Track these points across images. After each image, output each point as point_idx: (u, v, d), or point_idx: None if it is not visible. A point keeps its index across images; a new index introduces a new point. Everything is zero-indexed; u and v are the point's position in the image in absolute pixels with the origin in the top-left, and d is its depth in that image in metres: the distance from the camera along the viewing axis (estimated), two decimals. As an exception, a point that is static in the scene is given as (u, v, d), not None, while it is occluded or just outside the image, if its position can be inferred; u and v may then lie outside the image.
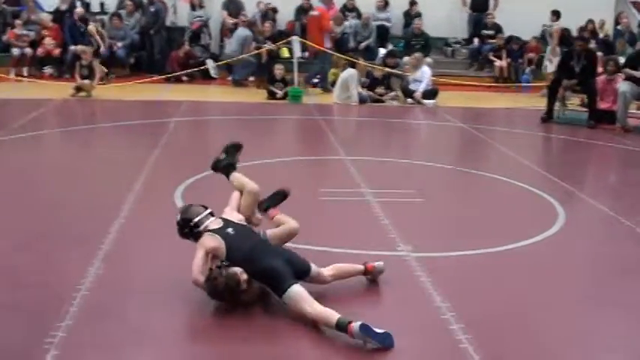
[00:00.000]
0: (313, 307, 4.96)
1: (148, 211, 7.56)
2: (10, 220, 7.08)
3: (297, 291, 5.05)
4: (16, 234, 6.68)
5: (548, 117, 14.80)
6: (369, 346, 4.67)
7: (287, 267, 5.23)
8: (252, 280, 5.26)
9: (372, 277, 5.82)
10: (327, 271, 5.54)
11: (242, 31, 19.42)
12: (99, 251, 6.25)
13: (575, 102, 15.72)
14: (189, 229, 5.62)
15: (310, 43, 19.15)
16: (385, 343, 4.70)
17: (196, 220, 5.61)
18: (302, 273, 5.33)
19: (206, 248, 5.38)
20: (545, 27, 20.73)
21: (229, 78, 19.54)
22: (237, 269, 5.21)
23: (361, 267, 5.77)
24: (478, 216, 8.02)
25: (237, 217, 5.76)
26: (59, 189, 8.43)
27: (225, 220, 5.66)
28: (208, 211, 5.72)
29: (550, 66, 19.17)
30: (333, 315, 4.85)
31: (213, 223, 5.60)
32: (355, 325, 4.68)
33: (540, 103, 15.96)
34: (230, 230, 5.50)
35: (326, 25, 18.43)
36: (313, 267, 5.44)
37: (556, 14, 20.55)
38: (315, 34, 18.57)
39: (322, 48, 18.22)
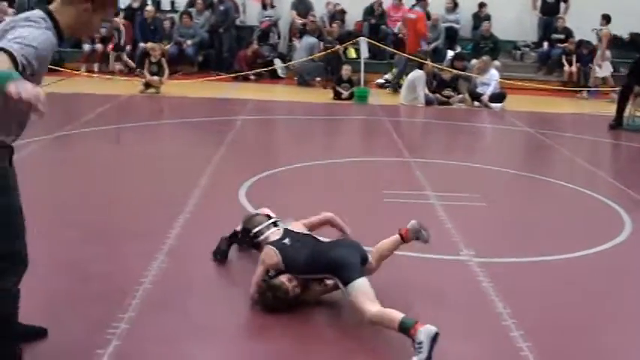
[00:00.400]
0: (375, 304, 4.84)
1: (212, 207, 7.63)
2: (77, 213, 7.20)
3: (363, 284, 4.93)
4: (83, 226, 6.80)
5: (617, 124, 14.55)
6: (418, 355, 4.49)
7: (354, 256, 5.16)
8: (312, 281, 5.27)
9: (411, 240, 5.53)
10: (370, 258, 5.43)
11: (309, 39, 19.50)
12: (163, 245, 6.33)
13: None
14: (250, 239, 5.66)
15: (376, 43, 19.21)
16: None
17: (255, 230, 5.65)
18: (364, 260, 5.29)
19: (267, 265, 5.35)
20: (595, 30, 20.34)
21: (296, 78, 19.61)
22: (283, 277, 5.20)
23: (397, 236, 5.53)
24: (542, 222, 7.93)
25: (299, 227, 5.72)
26: (125, 183, 8.55)
27: (285, 230, 5.64)
28: (271, 221, 5.73)
29: (600, 71, 18.99)
30: (396, 315, 4.69)
31: (274, 234, 5.60)
32: (426, 329, 4.48)
33: (608, 109, 15.69)
34: (287, 241, 5.47)
35: (421, 28, 18.43)
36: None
37: (606, 18, 20.11)
38: (410, 36, 18.68)
39: (409, 56, 18.24)
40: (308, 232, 5.71)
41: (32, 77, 3.41)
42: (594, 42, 20.32)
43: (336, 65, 18.83)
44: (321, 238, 5.65)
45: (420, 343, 4.46)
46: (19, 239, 3.88)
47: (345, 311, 5.22)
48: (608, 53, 19.44)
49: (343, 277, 5.01)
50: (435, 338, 4.45)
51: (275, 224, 5.73)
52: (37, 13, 3.79)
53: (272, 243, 5.46)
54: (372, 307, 4.81)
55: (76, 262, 6.01)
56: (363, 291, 4.90)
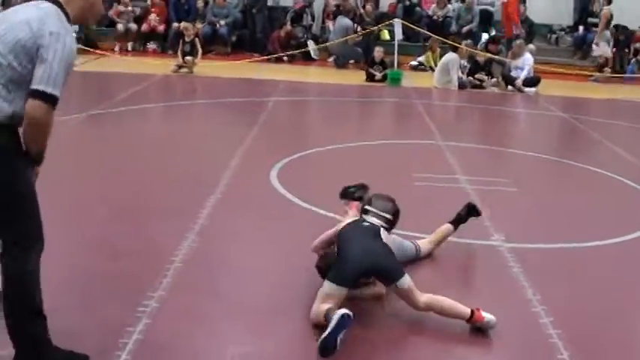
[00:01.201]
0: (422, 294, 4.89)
1: (244, 187, 7.66)
2: (109, 190, 7.25)
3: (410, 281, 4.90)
4: (115, 203, 6.85)
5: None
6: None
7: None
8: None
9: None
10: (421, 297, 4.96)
11: (343, 21, 19.42)
12: (194, 225, 6.36)
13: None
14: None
15: (410, 25, 19.18)
16: None
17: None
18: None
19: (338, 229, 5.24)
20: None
21: (330, 59, 19.57)
22: None
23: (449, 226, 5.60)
24: (574, 209, 7.88)
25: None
26: (157, 162, 8.59)
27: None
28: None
29: (597, 49, 18.88)
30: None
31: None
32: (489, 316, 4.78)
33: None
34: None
35: (512, 12, 18.37)
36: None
37: None
38: (505, 20, 18.89)
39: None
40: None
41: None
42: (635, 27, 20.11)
43: (370, 47, 18.78)
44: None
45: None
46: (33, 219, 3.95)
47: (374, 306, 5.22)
48: (607, 33, 19.35)
49: (388, 278, 4.95)
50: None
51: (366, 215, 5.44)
52: (56, 19, 3.79)
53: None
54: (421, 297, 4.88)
55: (107, 240, 6.06)
56: (412, 286, 4.90)
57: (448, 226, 6.17)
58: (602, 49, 19.48)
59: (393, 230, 5.49)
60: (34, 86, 3.69)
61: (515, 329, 4.95)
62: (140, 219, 6.56)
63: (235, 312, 4.89)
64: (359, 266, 4.86)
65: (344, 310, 4.48)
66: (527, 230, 6.95)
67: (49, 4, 3.85)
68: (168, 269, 5.42)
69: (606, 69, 19.14)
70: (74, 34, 3.99)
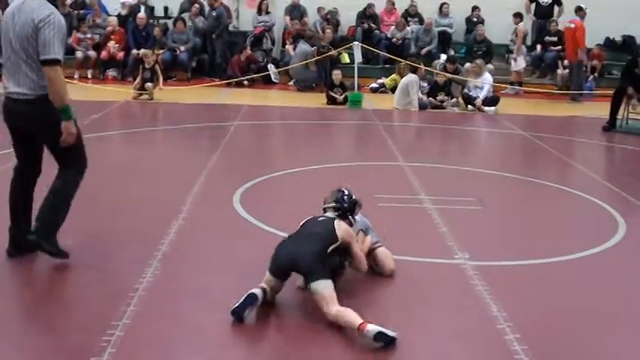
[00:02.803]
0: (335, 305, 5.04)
1: (207, 213, 7.63)
2: (70, 220, 7.14)
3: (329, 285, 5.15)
4: (77, 232, 6.76)
5: (610, 126, 14.58)
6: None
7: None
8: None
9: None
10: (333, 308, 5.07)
11: (303, 47, 19.47)
12: (157, 252, 6.32)
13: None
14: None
15: (369, 48, 19.31)
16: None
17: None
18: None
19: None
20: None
21: (290, 83, 19.62)
22: None
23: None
24: (537, 225, 7.94)
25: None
26: (120, 189, 8.53)
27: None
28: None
29: (515, 64, 19.70)
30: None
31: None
32: (371, 328, 4.76)
33: (603, 111, 15.67)
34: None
35: (579, 37, 18.50)
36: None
37: (519, 16, 20.71)
38: (569, 45, 18.88)
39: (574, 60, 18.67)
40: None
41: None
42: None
43: (329, 70, 18.86)
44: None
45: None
46: None
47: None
48: (523, 48, 20.00)
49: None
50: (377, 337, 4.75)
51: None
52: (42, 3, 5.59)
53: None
54: (333, 307, 5.02)
55: (70, 269, 6.00)
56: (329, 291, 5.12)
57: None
58: (519, 64, 19.87)
59: None
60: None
61: (480, 346, 4.97)
62: (103, 247, 6.50)
63: (199, 339, 4.86)
64: (281, 263, 5.33)
65: (254, 290, 5.12)
66: (491, 248, 6.98)
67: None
68: (132, 297, 5.38)
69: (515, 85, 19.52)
70: None
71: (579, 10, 19.22)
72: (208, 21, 20.42)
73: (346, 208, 5.78)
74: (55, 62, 5.56)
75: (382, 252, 6.10)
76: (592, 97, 19.35)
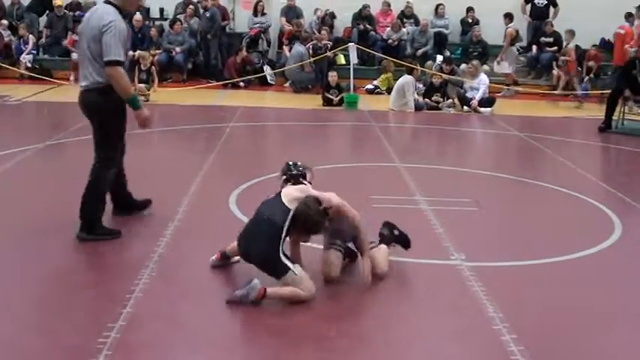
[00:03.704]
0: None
1: (203, 214, 7.63)
2: (67, 220, 7.16)
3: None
4: (72, 233, 6.76)
5: (606, 127, 14.60)
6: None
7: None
8: None
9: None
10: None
11: (299, 48, 19.49)
12: (153, 254, 6.32)
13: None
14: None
15: (365, 49, 19.32)
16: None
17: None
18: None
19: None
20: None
21: (286, 85, 19.63)
22: None
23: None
24: (533, 226, 7.95)
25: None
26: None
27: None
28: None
29: (498, 67, 19.74)
30: None
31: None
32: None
33: (599, 112, 15.67)
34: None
35: (629, 41, 18.51)
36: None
37: (509, 17, 20.64)
38: (618, 50, 18.82)
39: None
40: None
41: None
42: (584, 46, 20.46)
43: (325, 72, 18.89)
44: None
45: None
46: None
47: (336, 318, 5.22)
48: (514, 50, 19.92)
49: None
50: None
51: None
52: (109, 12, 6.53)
53: None
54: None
55: (67, 271, 6.00)
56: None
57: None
58: (503, 67, 19.87)
59: None
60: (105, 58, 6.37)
61: (477, 347, 4.97)
62: (99, 249, 6.49)
63: (196, 341, 4.85)
64: (242, 257, 5.78)
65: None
66: (488, 249, 6.98)
67: (105, 5, 6.57)
68: (129, 299, 5.37)
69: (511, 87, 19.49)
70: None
71: (629, 17, 19.28)
72: (202, 22, 20.43)
73: (296, 175, 6.08)
74: (115, 63, 6.37)
75: (376, 252, 6.07)
76: (588, 97, 19.39)
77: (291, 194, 5.67)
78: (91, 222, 6.68)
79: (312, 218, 5.49)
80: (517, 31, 20.28)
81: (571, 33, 19.44)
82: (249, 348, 4.89)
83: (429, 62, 18.91)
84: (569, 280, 6.33)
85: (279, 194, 5.75)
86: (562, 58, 19.50)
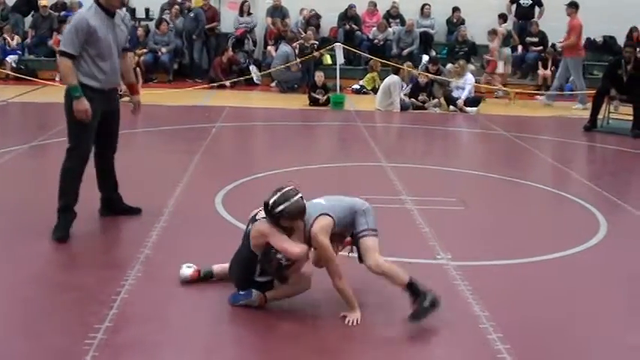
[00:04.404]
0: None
1: (189, 215, 7.61)
2: (51, 222, 7.14)
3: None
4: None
5: (591, 126, 14.64)
6: None
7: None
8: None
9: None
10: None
11: (284, 48, 19.49)
12: (139, 254, 6.31)
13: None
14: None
15: (351, 49, 19.33)
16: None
17: None
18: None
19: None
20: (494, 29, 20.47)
21: (272, 84, 19.63)
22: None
23: None
24: (519, 225, 7.97)
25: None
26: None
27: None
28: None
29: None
30: None
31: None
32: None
33: (584, 111, 15.71)
34: None
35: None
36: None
37: (503, 17, 20.66)
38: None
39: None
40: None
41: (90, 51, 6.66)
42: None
43: (310, 71, 18.93)
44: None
45: None
46: None
47: (323, 315, 5.23)
48: (507, 50, 19.90)
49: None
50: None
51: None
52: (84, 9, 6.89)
53: None
54: None
55: (52, 273, 5.98)
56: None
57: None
58: (499, 67, 19.80)
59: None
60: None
61: (463, 346, 4.98)
62: (84, 249, 6.48)
63: (183, 341, 4.85)
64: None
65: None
66: (474, 248, 7.00)
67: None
68: (115, 300, 5.36)
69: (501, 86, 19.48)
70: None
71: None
72: (187, 22, 20.40)
73: (268, 212, 5.31)
74: (61, 53, 6.65)
75: (364, 243, 5.46)
76: (573, 97, 19.45)
77: (257, 232, 5.33)
78: (58, 210, 6.86)
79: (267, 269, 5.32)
80: (509, 31, 20.27)
81: (494, 32, 19.58)
82: (237, 348, 4.89)
83: (408, 62, 18.81)
84: (554, 278, 6.35)
85: (253, 219, 5.45)
86: (486, 57, 19.54)
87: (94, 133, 6.96)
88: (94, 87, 6.78)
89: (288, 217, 5.22)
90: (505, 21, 20.68)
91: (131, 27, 7.05)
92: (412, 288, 5.24)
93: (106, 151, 7.33)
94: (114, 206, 7.47)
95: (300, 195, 5.28)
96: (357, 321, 5.16)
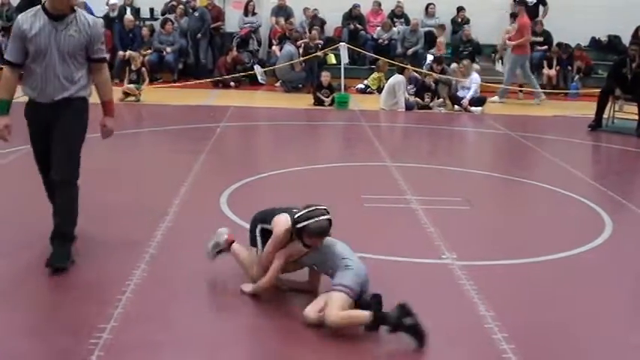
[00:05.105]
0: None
1: (194, 215, 7.61)
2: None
3: None
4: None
5: (596, 125, 14.62)
6: None
7: None
8: None
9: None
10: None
11: (289, 48, 19.50)
12: (144, 254, 6.31)
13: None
14: None
15: (355, 49, 19.34)
16: None
17: None
18: None
19: None
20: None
21: (277, 84, 19.63)
22: None
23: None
24: (524, 225, 7.96)
25: None
26: (106, 192, 8.47)
27: None
28: None
29: (501, 67, 19.71)
30: None
31: None
32: None
33: (589, 110, 15.67)
34: None
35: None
36: None
37: (514, 16, 20.40)
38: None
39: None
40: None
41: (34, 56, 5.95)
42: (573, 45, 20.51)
43: (313, 70, 18.92)
44: None
45: None
46: None
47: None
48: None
49: None
50: None
51: None
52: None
53: None
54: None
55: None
56: None
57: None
58: (499, 66, 19.96)
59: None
60: None
61: (468, 346, 4.97)
62: (89, 250, 6.46)
63: (188, 340, 4.85)
64: None
65: None
66: (479, 248, 6.99)
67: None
68: (120, 300, 5.36)
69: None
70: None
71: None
72: (191, 22, 20.40)
73: (292, 225, 5.38)
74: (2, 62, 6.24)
75: (330, 296, 5.14)
76: (577, 97, 19.44)
77: (278, 219, 5.54)
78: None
79: None
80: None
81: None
82: (242, 347, 4.89)
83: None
84: (559, 278, 6.34)
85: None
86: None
87: (45, 144, 6.19)
88: (33, 99, 6.15)
89: (308, 234, 5.30)
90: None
91: (98, 34, 6.23)
92: (379, 318, 4.92)
93: (53, 178, 6.18)
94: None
95: (326, 217, 5.33)
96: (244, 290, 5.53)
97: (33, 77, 6.03)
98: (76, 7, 6.09)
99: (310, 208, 5.34)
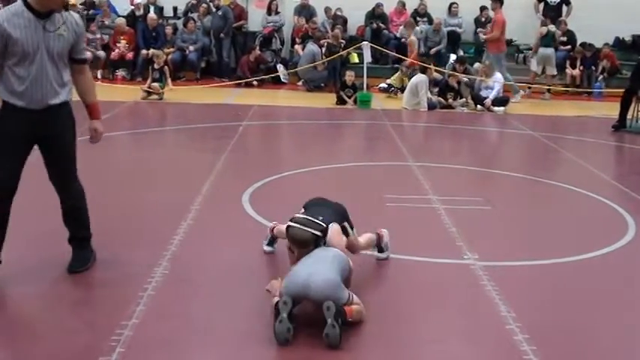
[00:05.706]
0: None
1: (215, 213, 7.63)
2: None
3: None
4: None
5: (620, 126, 14.54)
6: None
7: None
8: None
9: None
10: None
11: (311, 47, 19.52)
12: (166, 252, 6.33)
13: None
14: None
15: (378, 47, 19.32)
16: None
17: None
18: None
19: None
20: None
21: (299, 83, 19.65)
22: None
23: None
24: (546, 225, 7.92)
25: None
26: (129, 190, 8.53)
27: None
28: None
29: (534, 64, 19.60)
30: None
31: None
32: None
33: (613, 111, 15.58)
34: None
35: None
36: None
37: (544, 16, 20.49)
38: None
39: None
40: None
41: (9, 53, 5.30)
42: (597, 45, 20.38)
43: (336, 70, 18.92)
44: None
45: None
46: None
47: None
48: (547, 50, 19.75)
49: None
50: None
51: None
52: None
53: None
54: None
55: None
56: None
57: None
58: (533, 65, 19.82)
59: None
60: None
61: (489, 347, 4.97)
62: (112, 247, 6.49)
63: (209, 338, 4.87)
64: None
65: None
66: (500, 248, 6.96)
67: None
68: (142, 297, 5.39)
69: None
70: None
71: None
72: (214, 20, 20.43)
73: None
74: None
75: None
76: (602, 97, 19.34)
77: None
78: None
79: None
80: (548, 30, 19.82)
81: (410, 25, 19.71)
82: (263, 345, 4.88)
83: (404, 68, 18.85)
84: (582, 279, 6.32)
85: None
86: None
87: (16, 161, 5.62)
88: (17, 105, 5.45)
89: (288, 237, 5.49)
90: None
91: (83, 33, 5.90)
92: None
93: (56, 188, 6.05)
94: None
95: (313, 230, 5.36)
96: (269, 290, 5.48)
97: (15, 79, 5.40)
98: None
99: (307, 217, 5.47)
